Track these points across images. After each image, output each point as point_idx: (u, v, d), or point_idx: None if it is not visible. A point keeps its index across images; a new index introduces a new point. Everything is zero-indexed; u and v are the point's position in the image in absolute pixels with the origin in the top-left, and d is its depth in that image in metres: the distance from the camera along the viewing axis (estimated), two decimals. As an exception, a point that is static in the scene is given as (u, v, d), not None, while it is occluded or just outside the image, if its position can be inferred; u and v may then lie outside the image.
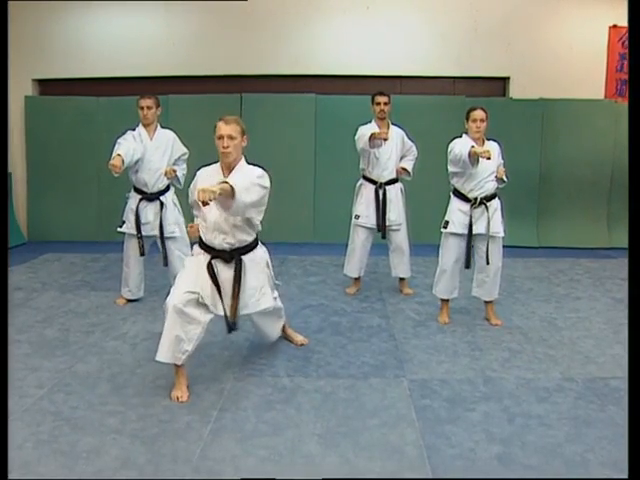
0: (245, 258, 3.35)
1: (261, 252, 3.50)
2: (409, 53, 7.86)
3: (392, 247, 5.36)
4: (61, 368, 3.58)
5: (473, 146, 4.15)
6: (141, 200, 4.76)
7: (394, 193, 5.25)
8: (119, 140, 4.63)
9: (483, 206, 4.30)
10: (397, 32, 7.80)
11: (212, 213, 3.21)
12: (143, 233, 4.76)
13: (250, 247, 3.39)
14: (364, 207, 5.23)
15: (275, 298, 3.69)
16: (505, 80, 8.07)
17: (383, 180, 5.19)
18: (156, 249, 4.92)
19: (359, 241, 5.30)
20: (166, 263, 4.83)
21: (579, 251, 7.39)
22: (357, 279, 5.44)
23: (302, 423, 2.93)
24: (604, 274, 6.21)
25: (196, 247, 3.44)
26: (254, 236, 3.42)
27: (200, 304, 3.26)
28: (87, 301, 5.02)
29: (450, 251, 4.43)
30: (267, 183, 3.24)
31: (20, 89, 7.92)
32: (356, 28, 7.81)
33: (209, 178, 3.24)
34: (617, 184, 7.52)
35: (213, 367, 3.63)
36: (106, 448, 2.66)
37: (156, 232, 4.78)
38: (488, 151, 3.98)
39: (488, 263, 4.34)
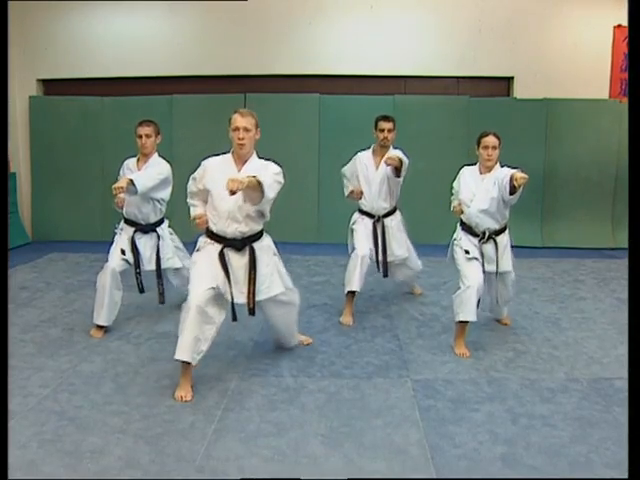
0: (255, 246, 3.41)
1: (268, 240, 3.55)
2: (413, 53, 7.85)
3: (400, 280, 5.06)
4: (65, 368, 3.59)
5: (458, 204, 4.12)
6: (135, 232, 4.31)
7: (395, 224, 4.76)
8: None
9: (492, 242, 4.03)
10: (401, 32, 7.79)
11: (226, 202, 3.24)
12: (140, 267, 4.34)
13: (259, 236, 3.46)
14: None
15: (291, 289, 3.67)
16: (509, 80, 8.06)
17: (380, 213, 4.69)
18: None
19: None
20: (163, 300, 4.44)
21: (583, 251, 7.37)
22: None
23: (306, 423, 2.93)
24: (609, 274, 6.20)
25: (202, 238, 3.45)
26: (262, 226, 3.49)
27: (217, 303, 3.31)
28: (91, 301, 4.96)
29: (475, 270, 3.99)
30: (283, 179, 3.36)
31: (25, 89, 7.96)
32: (360, 28, 7.81)
33: (222, 168, 3.32)
34: (621, 184, 7.50)
35: (217, 367, 3.64)
36: (110, 448, 2.67)
37: (152, 267, 4.38)
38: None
39: (498, 302, 4.25)
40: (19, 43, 7.73)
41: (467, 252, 4.01)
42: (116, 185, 3.82)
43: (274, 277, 3.51)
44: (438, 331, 4.35)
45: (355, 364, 3.72)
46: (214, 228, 3.37)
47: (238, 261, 3.37)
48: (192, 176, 3.51)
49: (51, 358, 3.74)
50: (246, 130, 3.27)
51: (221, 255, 3.33)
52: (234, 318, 3.39)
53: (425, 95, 7.81)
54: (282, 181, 3.34)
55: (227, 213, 3.30)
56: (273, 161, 3.41)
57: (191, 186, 3.52)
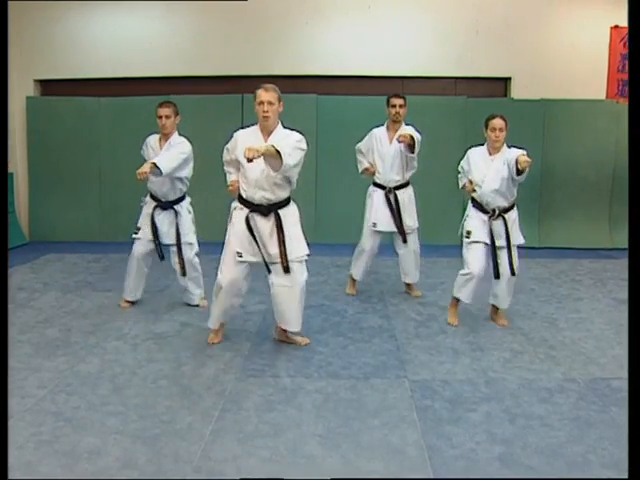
0: (280, 212, 3.71)
1: (293, 207, 3.83)
2: (411, 54, 7.86)
3: (401, 252, 5.21)
4: (62, 368, 3.58)
5: (465, 185, 4.44)
6: (155, 207, 4.61)
7: (407, 197, 5.12)
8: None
9: (501, 219, 4.26)
10: (399, 32, 7.79)
11: (254, 171, 3.59)
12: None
13: (285, 203, 3.75)
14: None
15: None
16: (506, 80, 8.07)
17: (392, 185, 5.06)
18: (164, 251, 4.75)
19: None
20: (184, 272, 4.68)
21: (581, 251, 7.38)
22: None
23: (303, 424, 2.93)
24: (606, 275, 6.20)
25: (234, 203, 3.82)
26: (289, 194, 3.78)
27: (245, 277, 3.80)
28: (88, 301, 5.02)
29: (477, 254, 4.29)
30: (305, 146, 3.63)
31: (22, 89, 7.94)
32: (358, 28, 7.81)
33: (251, 139, 3.59)
34: (618, 184, 7.51)
35: (214, 367, 3.63)
36: (107, 448, 2.66)
37: (171, 241, 4.64)
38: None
39: (498, 277, 4.31)
40: (16, 43, 7.71)
41: (468, 234, 4.30)
42: (140, 170, 4.07)
43: (300, 240, 3.81)
44: (436, 331, 4.35)
45: (352, 364, 3.72)
46: (244, 194, 3.73)
47: (264, 225, 3.69)
48: (226, 147, 3.88)
49: (48, 359, 3.73)
50: (270, 103, 3.60)
51: (247, 219, 3.67)
52: (269, 271, 3.77)
53: (423, 96, 7.79)
54: (304, 147, 3.60)
55: (255, 182, 3.64)
56: (298, 131, 3.68)
57: (225, 155, 3.92)
